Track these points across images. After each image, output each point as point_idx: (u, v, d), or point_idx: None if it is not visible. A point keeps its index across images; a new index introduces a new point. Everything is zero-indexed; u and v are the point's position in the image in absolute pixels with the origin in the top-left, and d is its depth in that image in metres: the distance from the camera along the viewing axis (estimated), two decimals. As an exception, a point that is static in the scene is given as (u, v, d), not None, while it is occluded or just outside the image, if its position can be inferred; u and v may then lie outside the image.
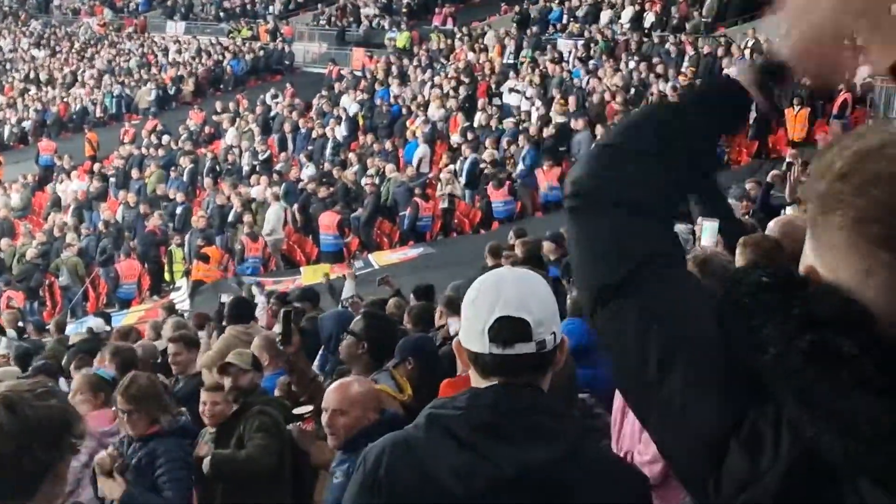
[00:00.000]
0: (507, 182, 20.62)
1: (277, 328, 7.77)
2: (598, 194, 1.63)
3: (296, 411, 5.16)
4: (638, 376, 1.50)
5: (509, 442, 2.32)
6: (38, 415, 2.37)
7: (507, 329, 2.34)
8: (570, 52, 27.67)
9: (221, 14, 43.24)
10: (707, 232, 6.60)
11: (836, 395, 1.31)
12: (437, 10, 36.94)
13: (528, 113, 23.83)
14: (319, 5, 41.51)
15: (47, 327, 15.32)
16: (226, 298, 11.21)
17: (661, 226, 1.63)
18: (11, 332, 14.22)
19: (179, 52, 39.24)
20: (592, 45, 27.47)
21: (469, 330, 2.43)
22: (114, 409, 6.04)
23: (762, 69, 1.72)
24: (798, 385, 1.34)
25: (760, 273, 1.45)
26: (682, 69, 23.81)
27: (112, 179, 26.47)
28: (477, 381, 2.44)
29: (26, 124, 34.39)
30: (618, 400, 4.56)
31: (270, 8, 42.45)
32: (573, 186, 1.66)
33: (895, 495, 1.29)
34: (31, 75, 40.32)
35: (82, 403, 6.35)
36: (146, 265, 21.20)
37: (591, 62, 26.05)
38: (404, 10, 37.61)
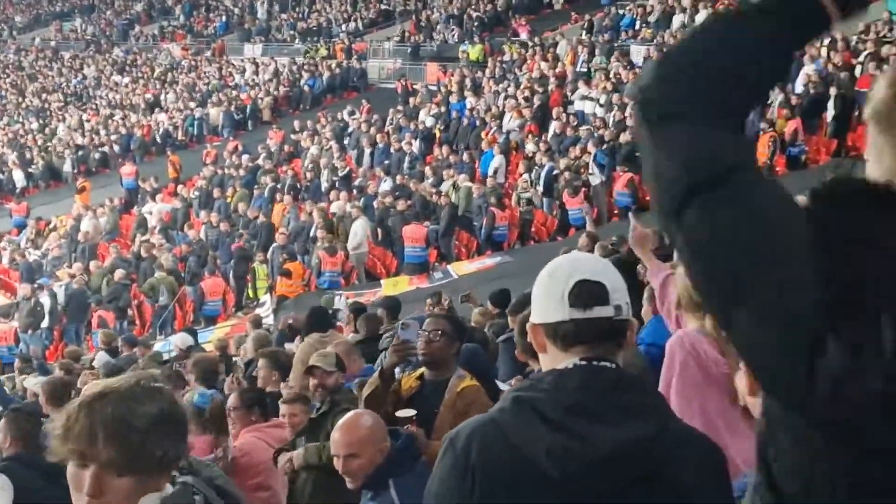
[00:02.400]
0: (583, 189, 20.65)
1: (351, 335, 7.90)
2: (672, 102, 1.54)
3: (399, 414, 5.18)
4: (730, 272, 1.45)
5: (601, 421, 2.33)
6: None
7: (587, 292, 2.41)
8: (643, 58, 27.55)
9: (297, 35, 43.84)
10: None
11: None
12: (509, 21, 37.10)
13: (604, 120, 23.81)
14: (395, 22, 41.96)
15: (139, 342, 15.67)
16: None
17: (739, 137, 1.56)
18: (103, 355, 14.59)
19: (257, 73, 39.90)
20: (666, 49, 27.30)
21: (546, 302, 2.46)
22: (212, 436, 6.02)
23: None
24: None
25: (860, 181, 1.45)
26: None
27: (195, 200, 27.03)
28: (554, 361, 2.45)
29: (110, 149, 35.22)
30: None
31: (345, 26, 42.92)
32: (645, 93, 1.57)
33: None
34: (115, 101, 41.32)
35: None
36: (233, 282, 21.64)
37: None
38: (475, 23, 37.76)
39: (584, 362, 2.41)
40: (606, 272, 2.50)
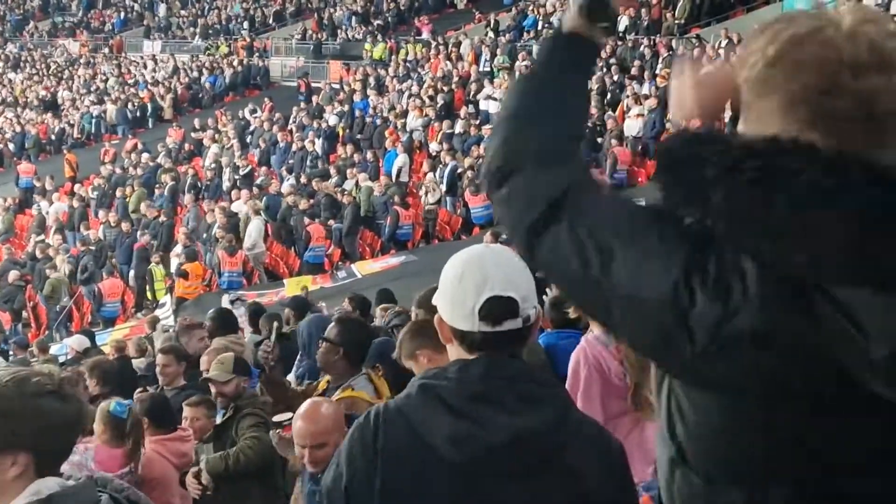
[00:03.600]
0: (487, 187, 20.67)
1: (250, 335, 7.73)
2: (501, 168, 1.77)
3: (275, 419, 5.16)
4: (587, 279, 1.57)
5: (502, 409, 2.38)
6: None
7: (498, 308, 2.39)
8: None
9: (197, 31, 43.26)
10: None
11: (792, 208, 1.38)
12: (412, 20, 37.14)
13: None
14: (297, 20, 41.66)
15: (30, 347, 15.33)
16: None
17: (565, 167, 1.73)
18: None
19: (156, 70, 39.26)
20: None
21: (456, 309, 2.46)
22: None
23: (582, 6, 1.85)
24: (751, 214, 1.41)
25: (691, 130, 1.54)
26: (658, 71, 23.96)
27: (93, 199, 26.44)
28: (460, 354, 2.49)
29: (5, 147, 34.36)
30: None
31: (246, 24, 42.49)
32: (484, 170, 1.82)
33: (870, 290, 1.36)
34: (9, 98, 40.29)
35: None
36: (132, 282, 21.21)
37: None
38: (378, 23, 37.73)
39: (489, 357, 2.45)
40: (517, 280, 2.44)
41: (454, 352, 2.53)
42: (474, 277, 2.42)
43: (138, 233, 22.30)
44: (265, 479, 5.87)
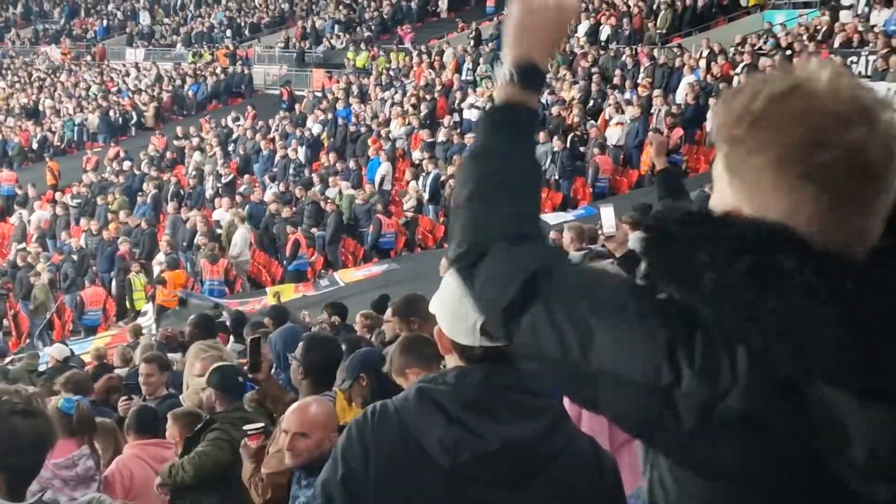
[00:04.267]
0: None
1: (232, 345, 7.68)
2: (473, 248, 1.71)
3: (245, 427, 5.15)
4: (568, 364, 1.54)
5: (495, 418, 2.44)
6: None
7: None
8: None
9: (180, 40, 43.18)
10: (604, 217, 6.84)
11: (783, 307, 1.38)
12: (396, 29, 37.18)
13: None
14: (280, 28, 41.64)
15: (8, 356, 15.28)
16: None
17: (535, 244, 1.70)
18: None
19: (139, 78, 39.16)
20: (550, 59, 27.59)
21: (457, 325, 2.54)
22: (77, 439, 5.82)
23: (514, 76, 1.86)
24: (742, 303, 1.40)
25: (684, 208, 1.53)
26: (639, 80, 24.05)
27: (74, 207, 26.31)
28: (459, 362, 2.56)
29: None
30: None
31: (229, 32, 42.44)
32: (453, 261, 1.76)
33: (853, 395, 1.36)
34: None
35: None
36: (114, 290, 21.10)
37: (548, 76, 26.19)
38: (368, 35, 37.77)
39: (487, 366, 2.51)
40: None
41: (453, 362, 2.58)
42: None
43: (119, 241, 22.20)
44: (220, 489, 5.80)
